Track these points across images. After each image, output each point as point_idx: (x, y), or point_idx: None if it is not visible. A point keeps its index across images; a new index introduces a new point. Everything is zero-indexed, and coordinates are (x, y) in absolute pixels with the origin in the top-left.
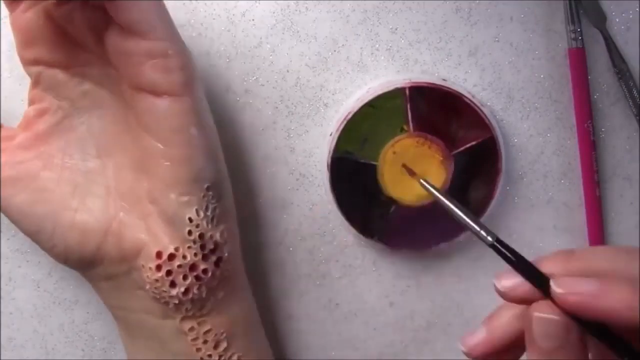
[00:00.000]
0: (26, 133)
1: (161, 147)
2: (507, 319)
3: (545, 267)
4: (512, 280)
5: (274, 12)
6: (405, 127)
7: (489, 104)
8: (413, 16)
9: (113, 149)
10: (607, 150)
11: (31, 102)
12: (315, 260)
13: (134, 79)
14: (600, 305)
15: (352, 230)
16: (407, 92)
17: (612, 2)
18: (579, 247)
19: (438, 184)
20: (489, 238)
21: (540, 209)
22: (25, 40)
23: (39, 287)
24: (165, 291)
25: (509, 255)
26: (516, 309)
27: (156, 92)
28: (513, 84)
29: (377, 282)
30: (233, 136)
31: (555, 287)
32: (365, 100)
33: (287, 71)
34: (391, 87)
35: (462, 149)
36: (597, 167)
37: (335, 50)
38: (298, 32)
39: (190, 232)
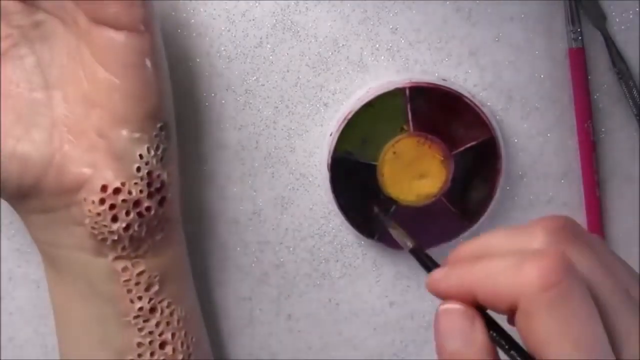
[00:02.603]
0: None
1: (117, 81)
2: None
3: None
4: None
5: (274, 12)
6: (405, 127)
7: (489, 104)
8: (413, 16)
9: (63, 81)
10: (607, 150)
11: None
12: (315, 260)
13: (94, 11)
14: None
15: (352, 230)
16: (407, 92)
17: (612, 2)
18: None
19: (438, 184)
20: (409, 244)
21: (540, 209)
22: None
23: (39, 287)
24: (105, 225)
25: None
26: None
27: (116, 26)
28: (513, 84)
29: (377, 282)
30: (233, 136)
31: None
32: (365, 100)
33: (287, 71)
34: (391, 87)
35: (462, 149)
36: (597, 167)
37: (335, 50)
38: (298, 32)
39: (139, 169)
